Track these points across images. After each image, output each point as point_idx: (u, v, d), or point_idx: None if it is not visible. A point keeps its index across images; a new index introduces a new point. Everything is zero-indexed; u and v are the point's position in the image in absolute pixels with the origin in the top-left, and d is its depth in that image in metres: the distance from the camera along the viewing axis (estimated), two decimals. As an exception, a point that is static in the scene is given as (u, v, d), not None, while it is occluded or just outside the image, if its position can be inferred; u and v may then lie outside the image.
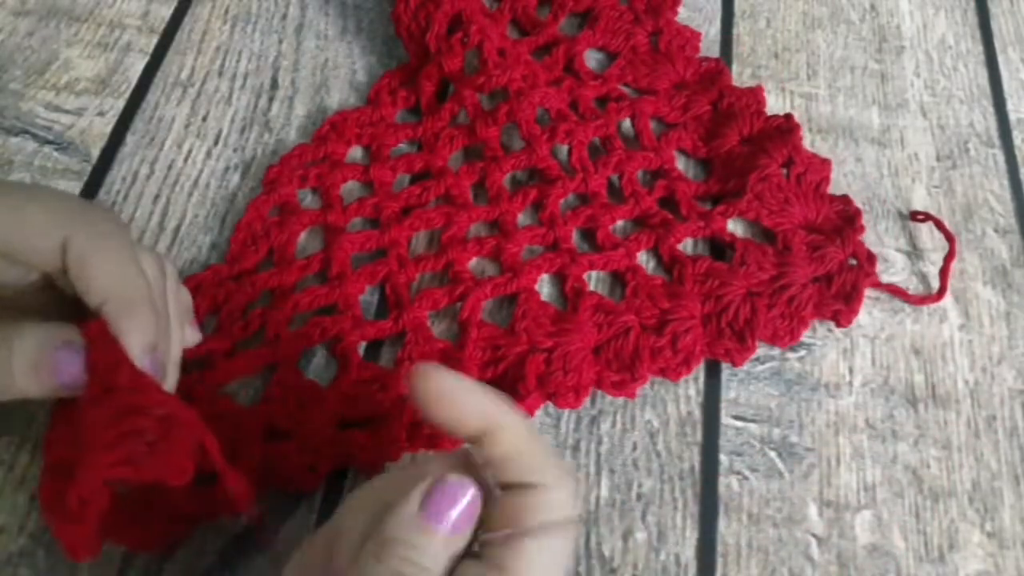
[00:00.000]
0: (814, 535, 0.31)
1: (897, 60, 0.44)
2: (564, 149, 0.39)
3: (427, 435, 0.31)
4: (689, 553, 0.30)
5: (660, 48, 0.43)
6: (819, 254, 0.36)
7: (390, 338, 0.34)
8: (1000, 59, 0.45)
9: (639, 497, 0.31)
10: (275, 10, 0.44)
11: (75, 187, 0.37)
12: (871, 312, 0.36)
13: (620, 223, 0.38)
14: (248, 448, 0.29)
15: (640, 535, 0.31)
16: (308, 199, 0.38)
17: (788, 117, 0.40)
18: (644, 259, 0.37)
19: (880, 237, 0.38)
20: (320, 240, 0.36)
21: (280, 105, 0.41)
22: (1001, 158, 0.41)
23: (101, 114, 0.40)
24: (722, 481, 0.32)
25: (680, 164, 0.39)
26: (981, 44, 0.45)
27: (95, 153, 0.38)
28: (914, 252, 0.38)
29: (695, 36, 0.43)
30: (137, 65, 0.41)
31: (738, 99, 0.41)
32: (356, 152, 0.39)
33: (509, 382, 0.32)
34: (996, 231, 0.39)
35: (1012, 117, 0.42)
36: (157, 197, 0.37)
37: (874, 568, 0.30)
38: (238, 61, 0.42)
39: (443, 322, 0.35)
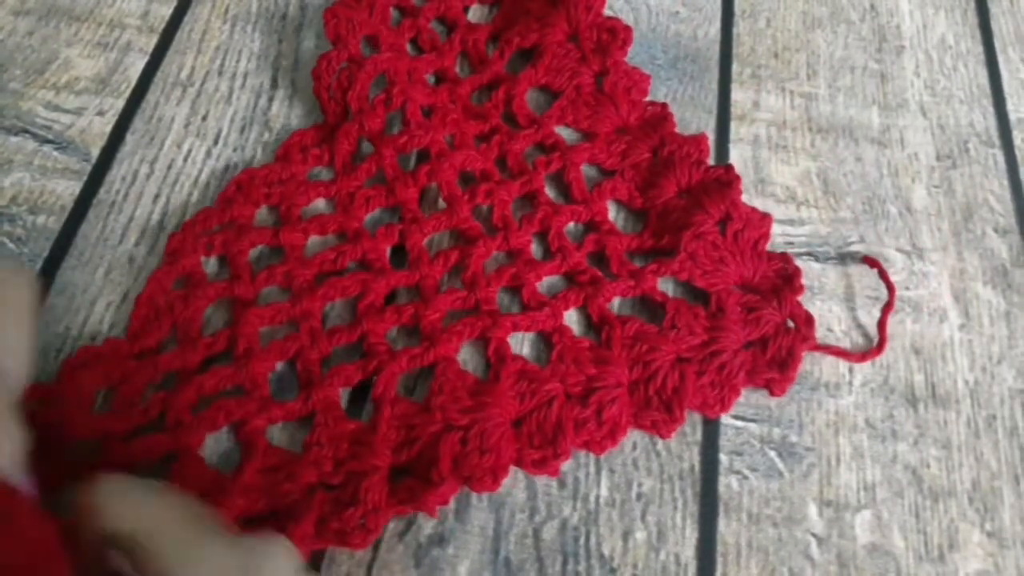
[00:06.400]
0: (814, 535, 0.31)
1: (897, 60, 0.44)
2: (487, 207, 0.37)
3: (336, 529, 0.29)
4: (689, 553, 0.30)
5: (605, 89, 0.41)
6: (754, 316, 0.34)
7: (299, 420, 0.32)
8: (1000, 59, 0.45)
9: (639, 497, 0.31)
10: (275, 10, 0.44)
11: (75, 187, 0.37)
12: (871, 312, 0.36)
13: (550, 280, 0.36)
14: None
15: (640, 535, 0.31)
16: (214, 266, 0.35)
17: (728, 168, 0.38)
18: (573, 318, 0.35)
19: (880, 237, 0.38)
20: (228, 314, 0.34)
21: (280, 105, 0.41)
22: (1001, 158, 0.41)
23: (101, 113, 0.40)
24: (722, 481, 0.32)
25: (615, 214, 0.38)
26: (981, 44, 0.45)
27: (95, 152, 0.38)
28: (914, 251, 0.38)
29: (643, 79, 0.41)
30: (137, 65, 0.41)
31: (679, 147, 0.39)
32: (264, 213, 0.37)
33: (424, 466, 0.30)
34: (996, 231, 0.39)
35: (1012, 117, 0.42)
36: (157, 197, 0.37)
37: (874, 568, 0.30)
38: (238, 61, 0.42)
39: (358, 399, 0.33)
